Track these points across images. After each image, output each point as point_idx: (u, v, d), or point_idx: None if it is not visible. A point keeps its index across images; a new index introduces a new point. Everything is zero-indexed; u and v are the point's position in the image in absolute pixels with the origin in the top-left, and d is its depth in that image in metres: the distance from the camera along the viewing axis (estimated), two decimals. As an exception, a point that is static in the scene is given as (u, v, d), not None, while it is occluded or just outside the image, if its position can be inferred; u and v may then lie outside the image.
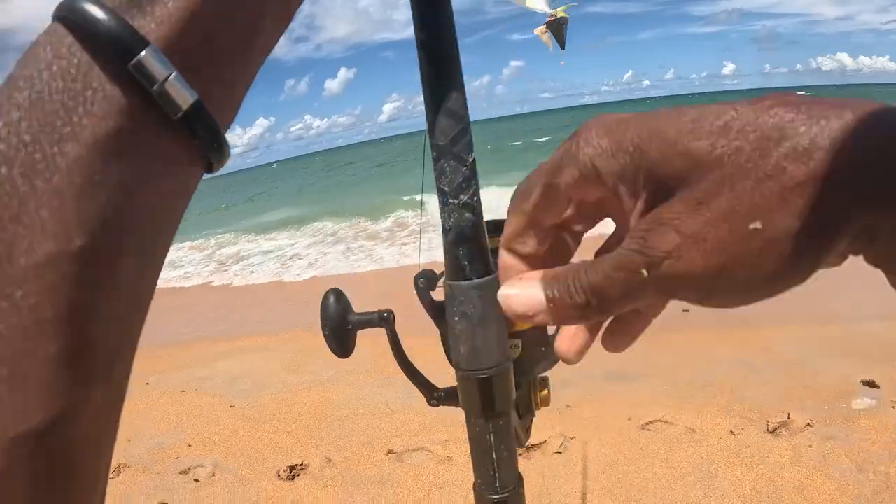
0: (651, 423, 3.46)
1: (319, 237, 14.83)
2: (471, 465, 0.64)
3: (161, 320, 10.71)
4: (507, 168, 19.67)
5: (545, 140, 36.19)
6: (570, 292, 0.34)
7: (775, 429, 3.16)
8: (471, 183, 0.52)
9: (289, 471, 3.71)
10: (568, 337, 0.42)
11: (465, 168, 0.52)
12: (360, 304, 0.63)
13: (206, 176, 0.36)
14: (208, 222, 23.10)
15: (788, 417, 3.20)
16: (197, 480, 3.92)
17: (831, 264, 0.32)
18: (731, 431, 3.21)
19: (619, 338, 0.42)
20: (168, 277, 12.59)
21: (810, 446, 2.96)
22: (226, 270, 13.08)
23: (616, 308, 0.34)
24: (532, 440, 3.04)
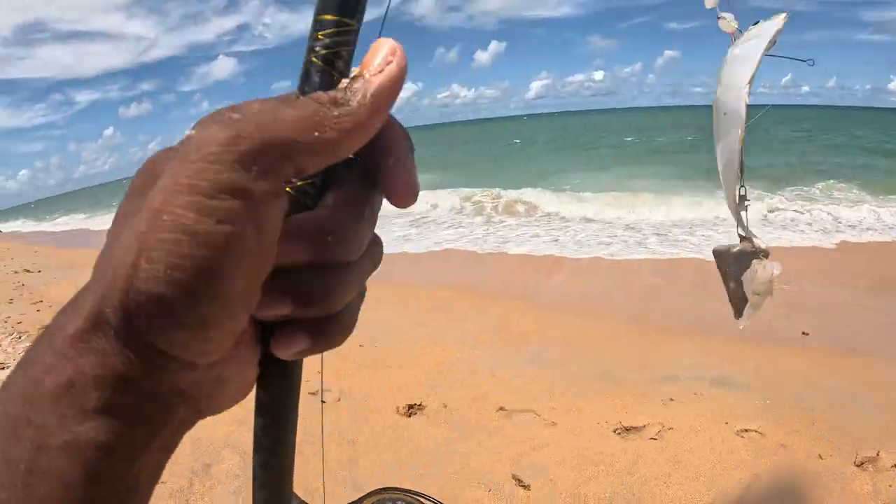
0: (746, 431, 3.63)
1: (457, 205, 15.43)
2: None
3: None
4: (656, 162, 18.43)
5: (691, 139, 32.35)
6: None
7: (862, 462, 3.23)
8: None
9: (407, 408, 4.21)
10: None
11: None
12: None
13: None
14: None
15: (878, 454, 3.26)
16: (324, 402, 4.48)
17: None
18: (820, 455, 3.33)
19: None
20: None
21: (890, 486, 3.05)
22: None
23: None
24: (632, 423, 3.34)
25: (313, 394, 4.40)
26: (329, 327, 0.36)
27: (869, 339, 5.18)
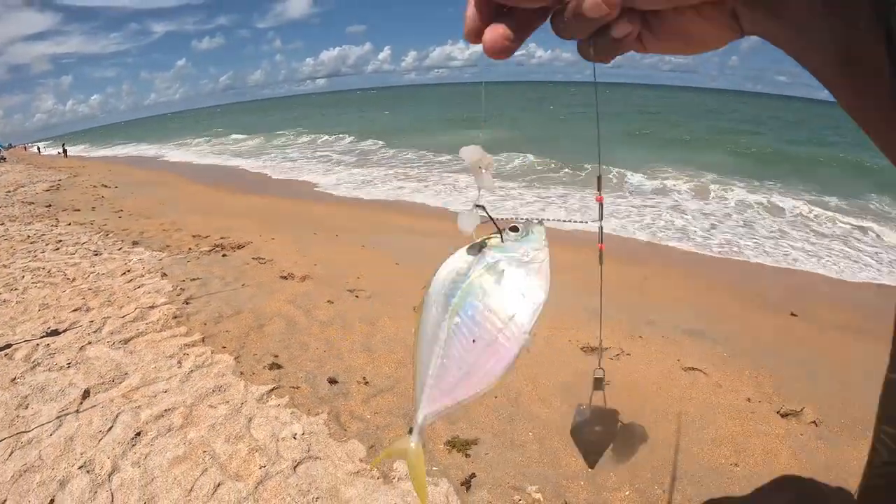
0: (692, 369, 4.31)
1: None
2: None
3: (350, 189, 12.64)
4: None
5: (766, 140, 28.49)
6: None
7: (786, 414, 3.81)
8: None
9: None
10: (491, 29, 0.48)
11: None
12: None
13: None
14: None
15: (802, 410, 3.83)
16: (357, 297, 5.46)
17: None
18: (748, 399, 3.95)
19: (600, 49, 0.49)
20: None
21: (802, 434, 3.69)
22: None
23: None
24: (597, 345, 4.08)
25: (351, 291, 5.36)
26: None
27: (855, 319, 5.71)
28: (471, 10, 0.48)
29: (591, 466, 0.92)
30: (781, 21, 0.44)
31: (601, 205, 0.68)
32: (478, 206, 0.59)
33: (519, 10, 0.47)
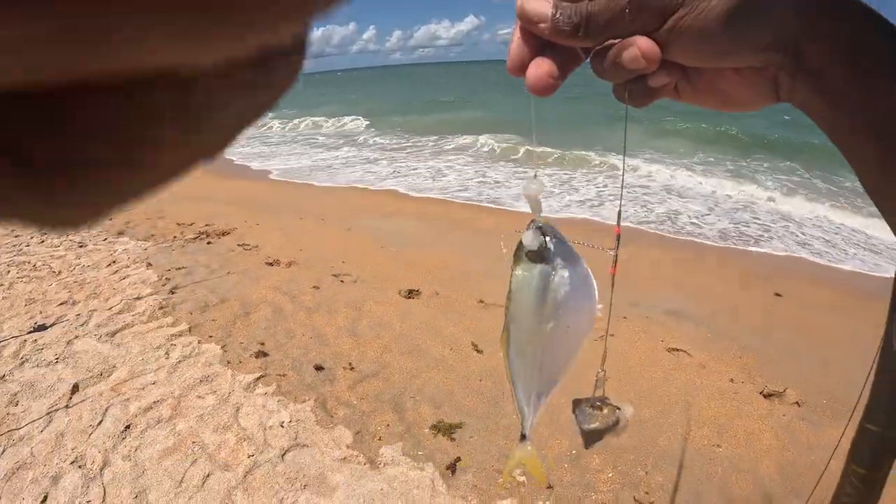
0: (676, 350, 4.40)
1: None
2: None
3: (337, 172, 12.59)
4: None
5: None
6: (570, 13, 0.43)
7: (769, 394, 3.86)
8: None
9: (407, 292, 5.19)
10: (535, 65, 0.48)
11: None
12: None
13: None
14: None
15: (784, 391, 3.95)
16: (342, 281, 5.48)
17: (754, 77, 0.49)
18: (732, 380, 4.03)
19: (636, 96, 0.51)
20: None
21: (784, 415, 3.78)
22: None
23: (598, 35, 0.45)
24: None
25: (336, 276, 5.38)
26: None
27: (839, 300, 5.78)
28: (516, 43, 0.48)
29: (587, 447, 0.90)
30: (824, 97, 0.45)
31: (618, 236, 0.72)
32: (538, 226, 0.65)
33: (564, 46, 0.47)
